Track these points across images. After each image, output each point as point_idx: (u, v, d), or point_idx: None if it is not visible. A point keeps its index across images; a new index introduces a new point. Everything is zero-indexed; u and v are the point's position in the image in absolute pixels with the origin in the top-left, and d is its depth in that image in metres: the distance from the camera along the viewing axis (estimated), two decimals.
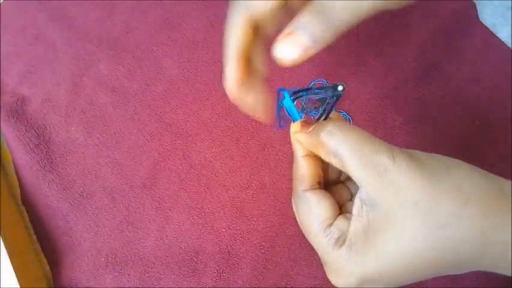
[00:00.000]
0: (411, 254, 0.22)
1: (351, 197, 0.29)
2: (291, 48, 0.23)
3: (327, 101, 0.28)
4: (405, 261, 0.23)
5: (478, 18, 0.49)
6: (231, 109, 0.47)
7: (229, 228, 0.44)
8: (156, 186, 0.45)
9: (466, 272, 0.24)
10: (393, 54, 0.48)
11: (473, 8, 0.49)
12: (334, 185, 0.30)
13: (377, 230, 0.23)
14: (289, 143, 0.30)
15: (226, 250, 0.43)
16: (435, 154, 0.24)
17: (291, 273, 0.42)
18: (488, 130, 0.46)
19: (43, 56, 0.50)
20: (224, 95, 0.48)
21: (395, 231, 0.22)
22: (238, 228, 0.43)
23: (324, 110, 0.28)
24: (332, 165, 0.26)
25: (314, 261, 0.42)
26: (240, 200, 0.44)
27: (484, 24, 0.49)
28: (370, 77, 0.47)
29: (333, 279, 0.26)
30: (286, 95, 0.29)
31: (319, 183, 0.28)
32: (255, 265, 0.42)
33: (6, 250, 0.39)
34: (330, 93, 0.27)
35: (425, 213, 0.22)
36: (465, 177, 0.23)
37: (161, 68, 0.49)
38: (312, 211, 0.26)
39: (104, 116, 0.48)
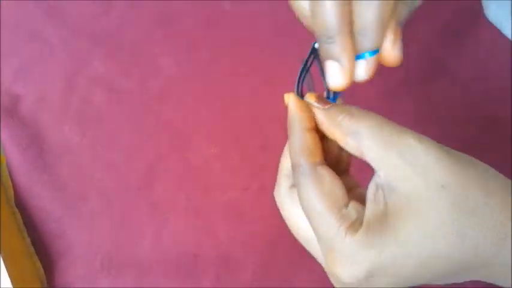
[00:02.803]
0: (434, 241, 0.21)
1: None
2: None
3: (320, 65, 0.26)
4: (426, 250, 0.21)
5: (484, 16, 0.48)
6: (230, 108, 0.47)
7: (228, 231, 0.43)
8: (152, 188, 0.45)
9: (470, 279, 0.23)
10: None
11: (479, 5, 0.49)
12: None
13: (397, 215, 0.21)
14: None
15: (225, 254, 0.42)
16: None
17: (292, 278, 0.42)
18: (493, 129, 0.45)
19: (38, 53, 0.50)
20: (222, 95, 0.48)
21: (419, 215, 0.21)
22: (237, 231, 0.43)
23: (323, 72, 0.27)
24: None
25: (315, 266, 0.42)
26: (239, 202, 0.44)
27: (490, 22, 0.48)
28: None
29: (338, 270, 0.23)
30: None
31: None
32: (255, 269, 0.42)
33: (0, 253, 0.38)
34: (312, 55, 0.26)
35: (455, 197, 0.21)
36: (486, 169, 0.23)
37: (158, 66, 0.48)
38: (325, 189, 0.23)
39: (99, 116, 0.47)
